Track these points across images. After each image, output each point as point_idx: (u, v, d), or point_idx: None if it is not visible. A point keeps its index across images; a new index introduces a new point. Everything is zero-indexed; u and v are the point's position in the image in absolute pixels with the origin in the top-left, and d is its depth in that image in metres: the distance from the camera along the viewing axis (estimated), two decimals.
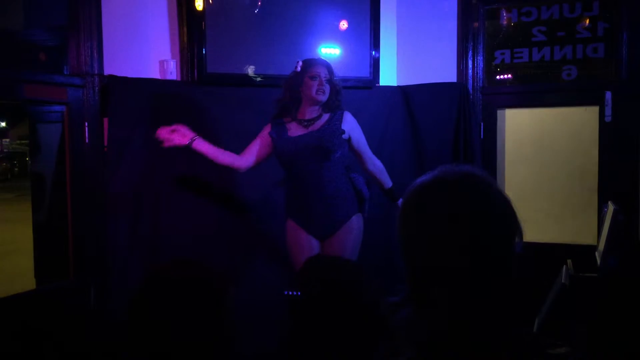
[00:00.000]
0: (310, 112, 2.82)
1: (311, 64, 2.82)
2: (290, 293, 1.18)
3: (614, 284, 2.58)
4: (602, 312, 2.51)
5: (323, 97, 2.78)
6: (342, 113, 2.85)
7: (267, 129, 2.87)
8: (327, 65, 2.84)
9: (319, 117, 2.83)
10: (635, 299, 2.49)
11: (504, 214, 0.93)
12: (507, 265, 0.92)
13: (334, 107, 2.84)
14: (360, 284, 1.33)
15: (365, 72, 3.58)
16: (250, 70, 3.36)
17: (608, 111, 3.40)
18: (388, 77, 3.81)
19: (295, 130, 2.81)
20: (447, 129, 3.60)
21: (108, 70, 3.06)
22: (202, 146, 2.78)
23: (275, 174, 3.12)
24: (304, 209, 2.79)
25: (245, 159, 2.86)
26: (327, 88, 2.78)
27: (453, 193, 0.92)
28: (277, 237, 3.23)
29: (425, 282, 0.92)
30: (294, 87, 2.80)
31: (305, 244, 2.80)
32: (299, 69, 2.81)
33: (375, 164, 2.93)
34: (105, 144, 3.03)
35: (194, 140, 2.77)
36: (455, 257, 0.89)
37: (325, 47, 3.52)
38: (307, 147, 2.74)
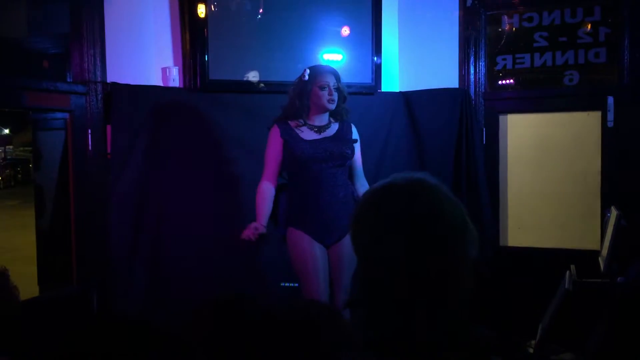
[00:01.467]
0: (319, 119, 2.84)
1: (319, 72, 2.82)
2: (287, 284, 1.16)
3: (618, 290, 2.57)
4: (606, 318, 2.50)
5: (333, 106, 2.81)
6: (350, 125, 2.90)
7: (276, 135, 2.83)
8: (334, 73, 2.84)
9: (328, 124, 2.85)
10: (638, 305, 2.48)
11: (452, 218, 0.95)
12: (458, 268, 0.94)
13: (341, 113, 2.87)
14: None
15: (367, 78, 3.59)
16: (253, 77, 3.37)
17: (610, 116, 3.40)
18: (390, 83, 3.81)
19: (308, 134, 2.81)
20: (449, 135, 3.59)
21: (111, 77, 3.07)
22: (264, 221, 2.76)
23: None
24: (314, 214, 2.75)
25: (273, 180, 2.83)
26: (335, 96, 2.80)
27: (399, 197, 0.96)
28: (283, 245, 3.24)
29: (375, 281, 0.95)
30: (302, 94, 2.79)
31: (313, 252, 2.75)
32: (306, 77, 2.80)
33: (363, 184, 2.93)
34: (109, 151, 3.04)
35: (259, 227, 2.73)
36: (400, 258, 0.92)
37: (328, 53, 3.53)
38: (326, 150, 2.75)
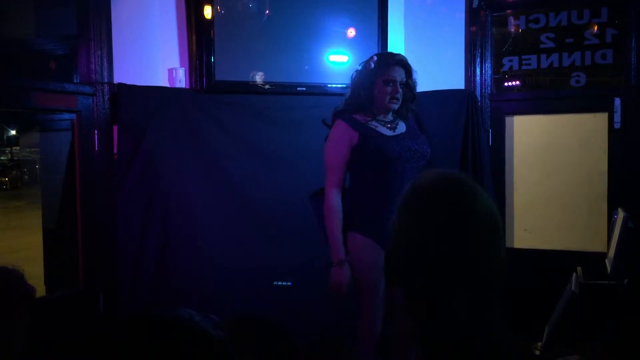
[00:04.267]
0: (384, 115, 2.50)
1: (386, 63, 2.45)
2: (280, 283, 1.12)
3: (625, 292, 2.56)
4: (613, 320, 2.49)
5: (395, 106, 2.46)
6: (411, 117, 2.60)
7: (345, 130, 2.44)
8: (404, 65, 2.47)
9: (395, 121, 2.52)
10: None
11: (498, 216, 0.94)
12: (498, 274, 0.93)
13: (404, 114, 2.54)
14: None
15: None
16: (259, 78, 3.38)
17: (617, 118, 3.39)
18: None
19: (383, 130, 2.46)
20: (455, 136, 3.59)
21: (118, 78, 3.08)
22: (343, 251, 2.42)
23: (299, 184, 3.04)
24: (387, 217, 2.44)
25: (341, 189, 2.47)
26: (401, 95, 2.45)
27: (459, 196, 0.94)
28: (292, 255, 3.24)
29: (425, 287, 0.92)
30: (366, 85, 2.44)
31: (378, 260, 2.36)
32: (372, 65, 2.45)
33: None
34: (115, 151, 3.05)
35: (344, 265, 2.40)
36: (464, 257, 0.90)
37: (334, 55, 3.53)
38: (410, 149, 2.42)
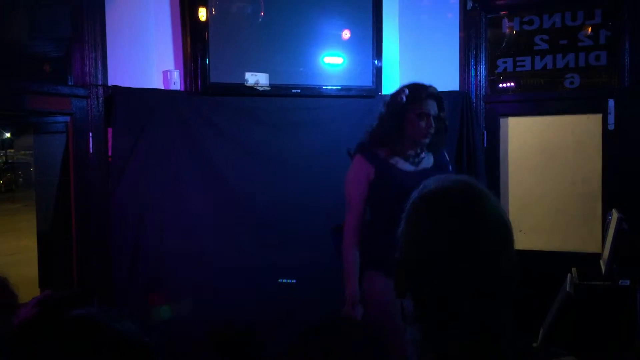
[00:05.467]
0: (413, 150, 2.40)
1: (419, 96, 2.34)
2: (284, 281, 1.09)
3: (619, 292, 2.57)
4: (608, 320, 2.49)
5: (427, 140, 2.36)
6: (444, 152, 2.51)
7: (362, 164, 2.38)
8: (437, 98, 2.39)
9: (421, 155, 2.42)
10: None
11: (509, 222, 0.92)
12: (509, 282, 0.91)
13: (438, 145, 2.43)
14: None
15: (368, 81, 3.59)
16: (254, 80, 3.38)
17: (611, 119, 3.40)
18: (392, 86, 3.81)
19: (403, 165, 2.38)
20: (450, 137, 3.58)
21: (112, 80, 3.08)
22: (357, 293, 2.33)
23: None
24: None
25: (360, 225, 2.39)
26: (433, 129, 2.35)
27: (458, 203, 0.91)
28: (288, 256, 3.25)
29: (435, 297, 0.90)
30: (396, 119, 2.33)
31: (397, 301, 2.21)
32: (403, 98, 2.33)
33: None
34: (110, 154, 3.04)
35: (356, 305, 2.32)
36: (459, 268, 0.88)
37: (329, 56, 3.54)
38: None
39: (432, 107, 2.35)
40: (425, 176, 2.18)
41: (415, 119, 2.33)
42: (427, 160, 2.43)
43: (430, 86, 2.43)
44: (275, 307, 3.19)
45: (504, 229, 0.91)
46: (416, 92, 2.36)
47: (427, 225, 0.91)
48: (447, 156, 2.54)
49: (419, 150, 2.40)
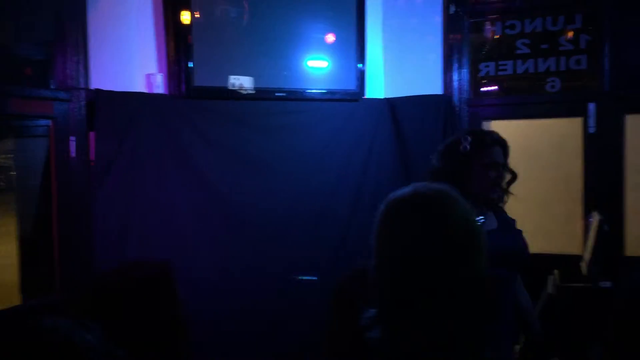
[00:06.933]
0: (476, 208, 1.98)
1: (484, 143, 2.03)
2: (305, 278, 1.06)
3: (600, 294, 2.60)
4: (590, 321, 2.52)
5: (497, 195, 2.07)
6: (500, 207, 2.19)
7: None
8: (502, 144, 2.09)
9: (483, 212, 2.09)
10: (620, 309, 2.51)
11: (479, 228, 0.94)
12: (476, 286, 0.93)
13: (500, 201, 2.13)
14: None
15: (352, 85, 3.60)
16: (238, 83, 3.37)
17: (591, 122, 3.45)
18: (376, 89, 3.83)
19: None
20: (433, 141, 3.60)
21: (95, 84, 3.06)
22: None
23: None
24: None
25: None
26: (503, 180, 2.06)
27: (432, 207, 0.94)
28: (271, 257, 3.24)
29: (397, 299, 0.93)
30: (458, 171, 1.99)
31: None
32: (467, 147, 2.01)
33: (526, 295, 2.11)
34: (92, 158, 3.02)
35: None
36: (424, 273, 0.90)
37: (313, 60, 3.54)
38: (499, 247, 1.89)
39: (499, 155, 2.06)
40: (494, 238, 1.84)
41: (482, 171, 2.01)
42: (490, 221, 2.09)
43: (493, 131, 2.16)
44: (260, 308, 3.20)
45: (470, 236, 0.93)
46: (481, 138, 2.06)
47: (392, 226, 0.95)
48: (503, 208, 2.20)
49: (485, 209, 2.07)
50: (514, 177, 2.12)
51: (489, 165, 2.02)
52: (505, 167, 2.08)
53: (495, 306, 0.96)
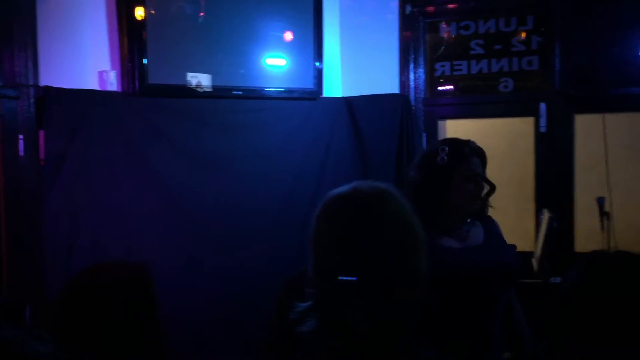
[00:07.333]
0: (454, 221, 1.96)
1: (463, 154, 1.93)
2: (345, 279, 1.02)
3: (550, 290, 2.67)
4: (540, 318, 2.59)
5: (477, 207, 1.98)
6: (494, 222, 2.08)
7: None
8: (481, 154, 1.99)
9: (468, 226, 1.99)
10: (572, 305, 2.58)
11: (417, 226, 0.98)
12: (409, 283, 0.95)
13: (483, 208, 2.04)
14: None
15: (309, 84, 3.60)
16: (194, 81, 3.33)
17: (543, 122, 3.54)
18: (333, 88, 3.84)
19: (447, 241, 1.93)
20: (390, 139, 3.65)
21: (44, 81, 2.97)
22: None
23: None
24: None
25: None
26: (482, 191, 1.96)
27: (361, 205, 0.97)
28: (232, 255, 3.23)
29: (331, 291, 0.95)
30: (437, 187, 1.90)
31: None
32: (445, 158, 1.89)
33: (519, 310, 2.05)
34: (42, 157, 2.94)
35: None
36: (359, 267, 0.93)
37: (271, 58, 3.53)
38: (485, 263, 1.86)
39: (478, 166, 1.96)
40: (477, 254, 1.87)
41: (462, 182, 1.91)
42: (476, 233, 1.99)
43: (469, 140, 2.02)
44: (217, 306, 3.17)
45: (406, 234, 0.96)
46: (458, 149, 1.94)
47: (330, 221, 0.98)
48: (496, 223, 2.09)
49: (468, 221, 1.99)
50: (493, 188, 2.02)
51: (469, 177, 1.93)
52: (483, 177, 1.99)
53: (428, 306, 0.99)
